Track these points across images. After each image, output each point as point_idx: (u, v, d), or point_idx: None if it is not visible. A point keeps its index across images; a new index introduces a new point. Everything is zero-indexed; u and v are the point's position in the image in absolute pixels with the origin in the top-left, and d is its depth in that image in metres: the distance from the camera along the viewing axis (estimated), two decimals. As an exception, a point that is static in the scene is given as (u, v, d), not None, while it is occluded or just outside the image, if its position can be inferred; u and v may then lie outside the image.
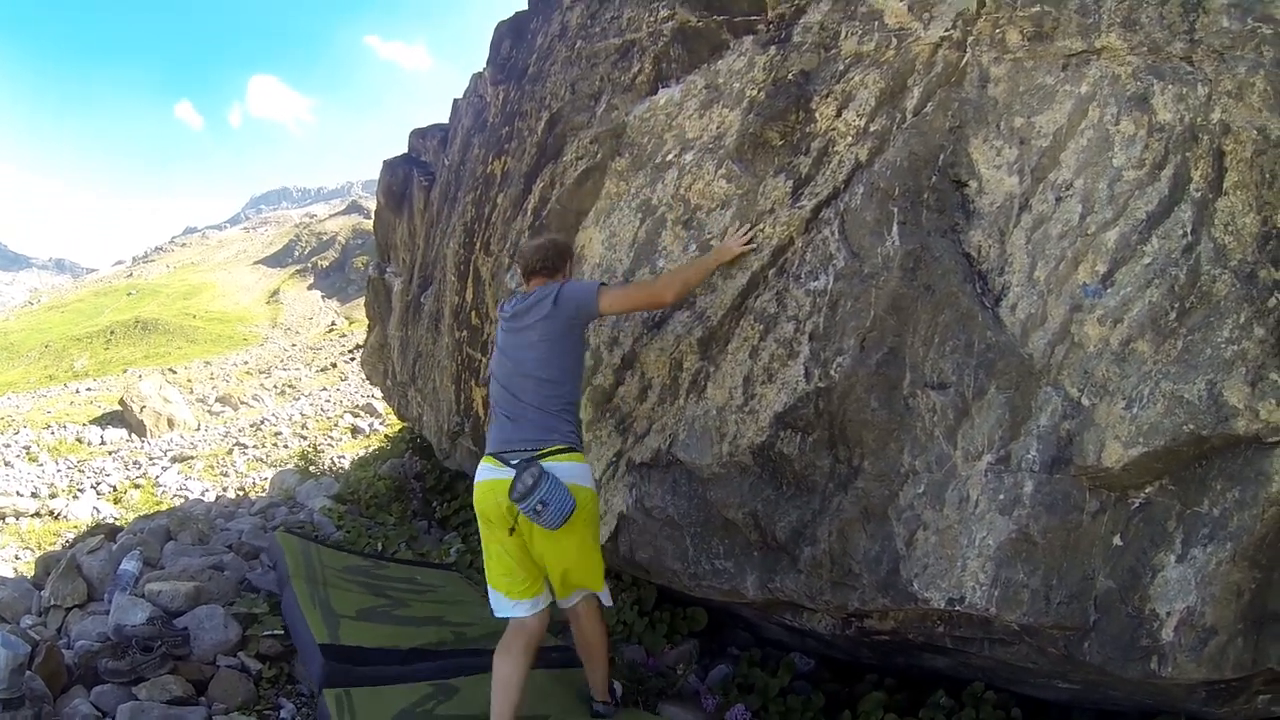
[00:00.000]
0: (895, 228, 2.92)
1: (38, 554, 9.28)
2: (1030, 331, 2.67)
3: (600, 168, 4.11)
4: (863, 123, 3.13)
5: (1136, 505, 2.53)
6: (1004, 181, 2.76)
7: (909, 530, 2.92)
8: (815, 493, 3.18)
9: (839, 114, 3.22)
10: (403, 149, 8.16)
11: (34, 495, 14.96)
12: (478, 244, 5.15)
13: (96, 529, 8.34)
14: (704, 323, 3.51)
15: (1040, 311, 2.65)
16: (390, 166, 8.06)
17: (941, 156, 2.88)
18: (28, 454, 18.65)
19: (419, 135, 7.88)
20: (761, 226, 3.31)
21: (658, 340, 3.72)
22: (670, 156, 3.77)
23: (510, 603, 3.26)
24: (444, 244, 5.94)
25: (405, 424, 9.67)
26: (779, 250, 3.25)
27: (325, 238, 61.09)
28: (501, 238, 4.78)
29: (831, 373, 3.02)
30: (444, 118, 7.46)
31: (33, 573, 7.62)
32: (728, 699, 4.06)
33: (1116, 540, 2.55)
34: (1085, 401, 2.54)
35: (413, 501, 7.40)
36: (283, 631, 4.42)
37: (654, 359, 3.74)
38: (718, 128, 3.63)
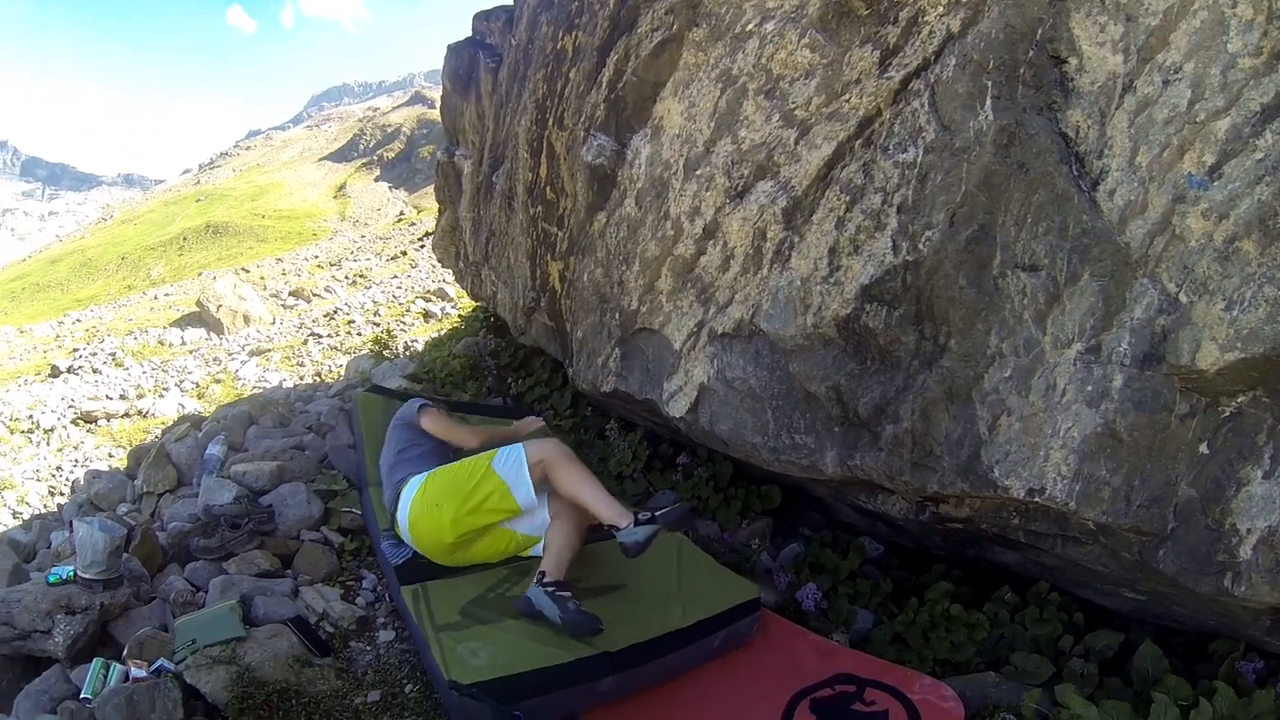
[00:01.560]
0: (989, 102, 2.85)
1: (129, 450, 9.93)
2: (1129, 219, 2.61)
3: (677, 39, 4.05)
4: (955, -8, 3.03)
5: (1227, 414, 2.50)
6: (1107, 60, 2.65)
7: (992, 415, 2.95)
8: (899, 369, 3.22)
9: (929, -17, 3.11)
10: (465, 35, 8.15)
11: (122, 397, 15.86)
12: (550, 120, 5.16)
13: (182, 420, 8.86)
14: (788, 192, 3.50)
15: (1140, 199, 2.58)
16: (455, 51, 8.02)
17: (1040, 30, 2.77)
18: (114, 360, 19.67)
19: (483, 18, 7.80)
20: (847, 97, 3.27)
21: (741, 209, 3.73)
22: (750, 26, 3.69)
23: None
24: (515, 123, 5.96)
25: (478, 304, 9.87)
26: (865, 121, 3.21)
27: (390, 130, 61.33)
28: (576, 112, 4.78)
29: (920, 246, 3.02)
30: (505, 0, 7.41)
31: (125, 465, 8.20)
32: (799, 578, 4.23)
33: (1203, 448, 2.54)
34: (1183, 298, 2.49)
35: (488, 379, 7.64)
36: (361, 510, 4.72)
37: (737, 228, 3.76)
38: (799, -4, 3.55)
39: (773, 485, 4.98)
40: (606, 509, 3.61)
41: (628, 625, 3.47)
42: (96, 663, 3.33)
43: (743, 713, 3.31)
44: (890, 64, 3.14)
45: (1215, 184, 2.43)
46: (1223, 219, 2.41)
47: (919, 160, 3.02)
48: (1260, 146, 2.35)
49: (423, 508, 3.82)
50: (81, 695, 3.23)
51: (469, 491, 3.75)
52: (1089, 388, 2.70)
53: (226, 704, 3.13)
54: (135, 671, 3.27)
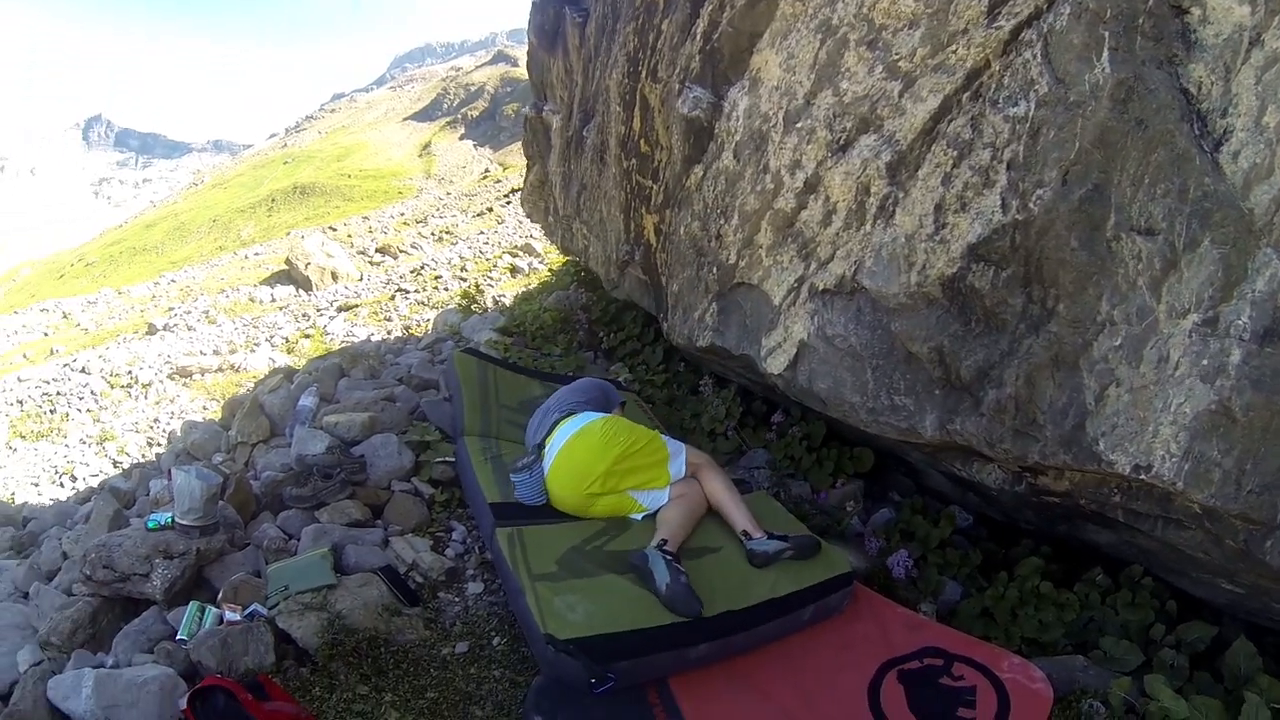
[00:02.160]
0: (1106, 54, 2.72)
1: (223, 403, 10.37)
2: (1253, 184, 2.47)
3: (773, -12, 3.98)
4: (1069, -63, 2.88)
5: None
6: (1233, 11, 2.50)
7: (1100, 384, 2.87)
8: (1005, 332, 3.15)
9: (1040, -73, 2.96)
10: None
11: (215, 352, 16.65)
12: (643, 72, 5.13)
13: (275, 373, 9.19)
14: (893, 146, 3.42)
15: (1267, 163, 2.44)
16: (540, 6, 8.04)
17: None
18: (207, 317, 20.63)
19: (567, -27, 7.83)
20: (954, 48, 3.17)
21: (843, 163, 3.65)
22: (851, -27, 3.61)
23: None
24: (605, 76, 5.95)
25: (569, 259, 10.01)
26: (974, 74, 3.10)
27: (473, 89, 61.79)
28: (670, 64, 4.74)
29: (1030, 205, 2.92)
30: (586, -44, 7.38)
31: (220, 416, 8.56)
32: (890, 544, 4.21)
33: None
34: None
35: (579, 333, 7.73)
36: (454, 459, 4.80)
37: (839, 183, 3.69)
38: (903, -59, 3.43)
39: (865, 448, 4.95)
40: (742, 518, 3.95)
41: (722, 591, 3.49)
42: (192, 605, 3.50)
43: (830, 682, 3.31)
44: (999, 13, 3.02)
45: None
46: (1358, 188, 2.26)
47: (1030, 115, 2.91)
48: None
49: (595, 435, 4.11)
50: (177, 636, 3.39)
51: (643, 441, 4.15)
52: (1204, 362, 2.59)
53: (317, 649, 3.26)
54: (229, 615, 3.42)
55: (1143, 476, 2.77)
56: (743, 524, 3.90)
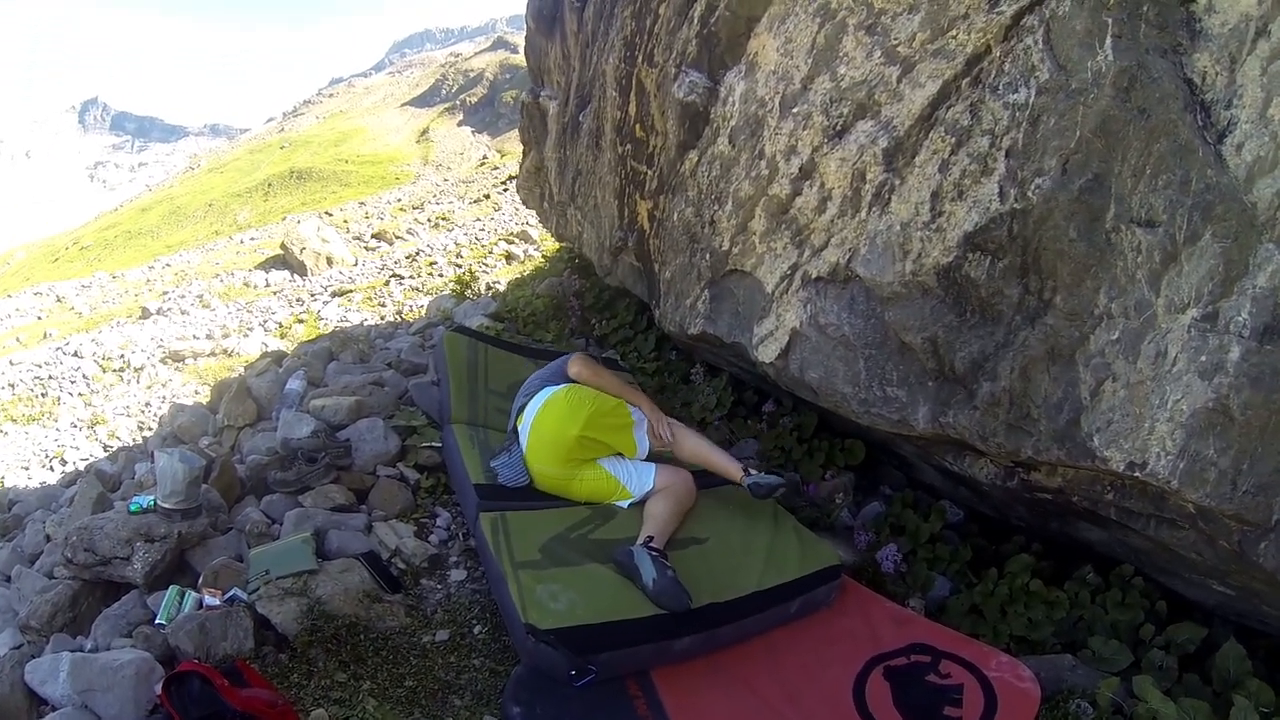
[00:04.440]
0: (1109, 41, 2.66)
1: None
2: (1257, 177, 2.42)
3: (772, -29, 3.93)
4: (1072, -77, 2.82)
5: None
6: (1239, 0, 2.46)
7: (1096, 379, 2.83)
8: (1000, 324, 3.10)
9: (1044, -88, 2.90)
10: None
11: (209, 337, 16.55)
12: (640, 57, 5.07)
13: (264, 357, 9.15)
14: (890, 132, 3.36)
15: (1271, 156, 2.39)
16: (538, -9, 8.04)
17: None
18: (200, 301, 20.53)
19: (566, -43, 7.78)
20: (954, 33, 3.11)
21: (839, 150, 3.60)
22: (850, -43, 3.55)
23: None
24: (602, 61, 5.90)
25: (563, 245, 9.94)
26: (974, 59, 3.04)
27: (472, 75, 61.52)
28: (666, 48, 4.69)
29: (1029, 194, 2.87)
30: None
31: (209, 400, 8.52)
32: (879, 538, 4.18)
33: None
34: None
35: (571, 319, 7.69)
36: (440, 446, 4.77)
37: (834, 169, 3.64)
38: (903, -77, 3.38)
39: (857, 440, 4.91)
40: (729, 464, 4.12)
41: (707, 583, 3.46)
42: (172, 590, 3.48)
43: (816, 677, 3.28)
44: (1002, -2, 2.97)
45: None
46: (1362, 182, 2.21)
47: (1031, 101, 2.86)
48: None
49: (560, 404, 4.10)
50: (156, 621, 3.37)
51: (609, 405, 4.16)
52: (1202, 358, 2.55)
53: (296, 635, 3.23)
54: (209, 600, 3.39)
55: (1137, 474, 2.73)
56: (734, 471, 4.06)
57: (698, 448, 4.22)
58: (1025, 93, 2.88)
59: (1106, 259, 2.76)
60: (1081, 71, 2.74)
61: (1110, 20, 2.68)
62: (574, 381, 4.23)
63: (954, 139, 3.12)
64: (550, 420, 4.03)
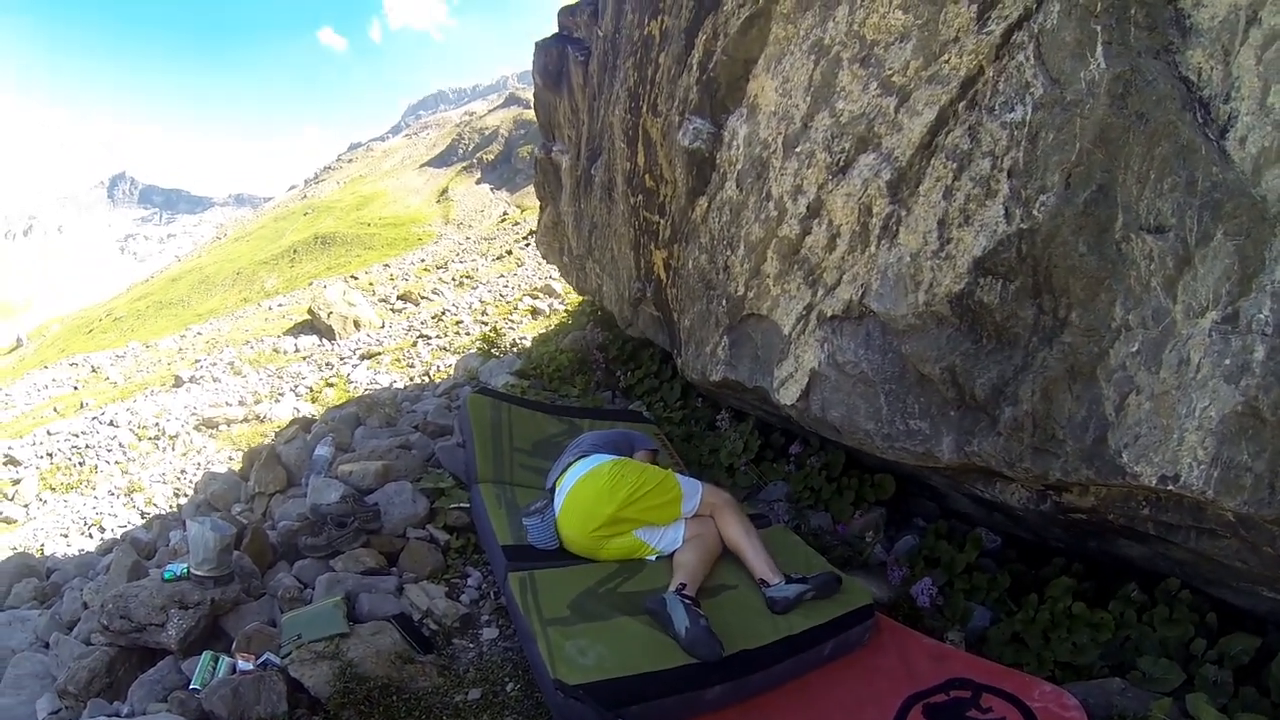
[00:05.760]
0: (1100, 49, 2.65)
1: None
2: (1264, 168, 2.36)
3: (764, 13, 3.97)
4: (1053, -69, 2.82)
5: None
6: None
7: (1120, 394, 2.76)
8: (1017, 347, 3.06)
9: (1024, -77, 2.91)
10: (551, 32, 8.25)
11: (241, 403, 16.88)
12: (644, 107, 5.13)
13: (293, 423, 9.25)
14: (892, 164, 3.36)
15: (1276, 145, 2.33)
16: (543, 47, 8.15)
17: None
18: (232, 368, 20.92)
19: (568, 12, 7.90)
20: (946, 57, 3.11)
21: (844, 185, 3.61)
22: (839, -9, 3.58)
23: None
24: (608, 113, 5.97)
25: (585, 298, 10.00)
26: (968, 82, 3.04)
27: (487, 132, 62.52)
28: (669, 97, 4.74)
29: (1034, 212, 2.85)
30: (587, -5, 7.46)
31: (240, 467, 8.60)
32: (914, 572, 4.10)
33: None
34: None
35: (596, 373, 7.70)
36: (469, 505, 4.76)
37: (841, 205, 3.64)
38: (888, -46, 3.39)
39: (886, 474, 4.85)
40: (761, 563, 3.84)
41: (739, 630, 3.41)
42: (206, 655, 3.50)
43: (853, 718, 3.20)
44: (989, 17, 2.97)
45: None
46: (1371, 162, 2.16)
47: (1028, 119, 2.85)
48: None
49: (602, 478, 4.04)
50: (190, 686, 3.38)
51: (653, 482, 4.06)
52: (1227, 361, 2.48)
53: (329, 698, 3.20)
54: (242, 664, 3.40)
55: (1170, 487, 2.65)
56: (761, 570, 3.82)
57: (738, 539, 3.98)
58: (1022, 110, 2.87)
59: (1119, 270, 2.72)
60: (1075, 83, 2.73)
61: (1099, 27, 2.67)
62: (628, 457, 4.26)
63: (955, 164, 3.11)
64: (588, 493, 4.01)
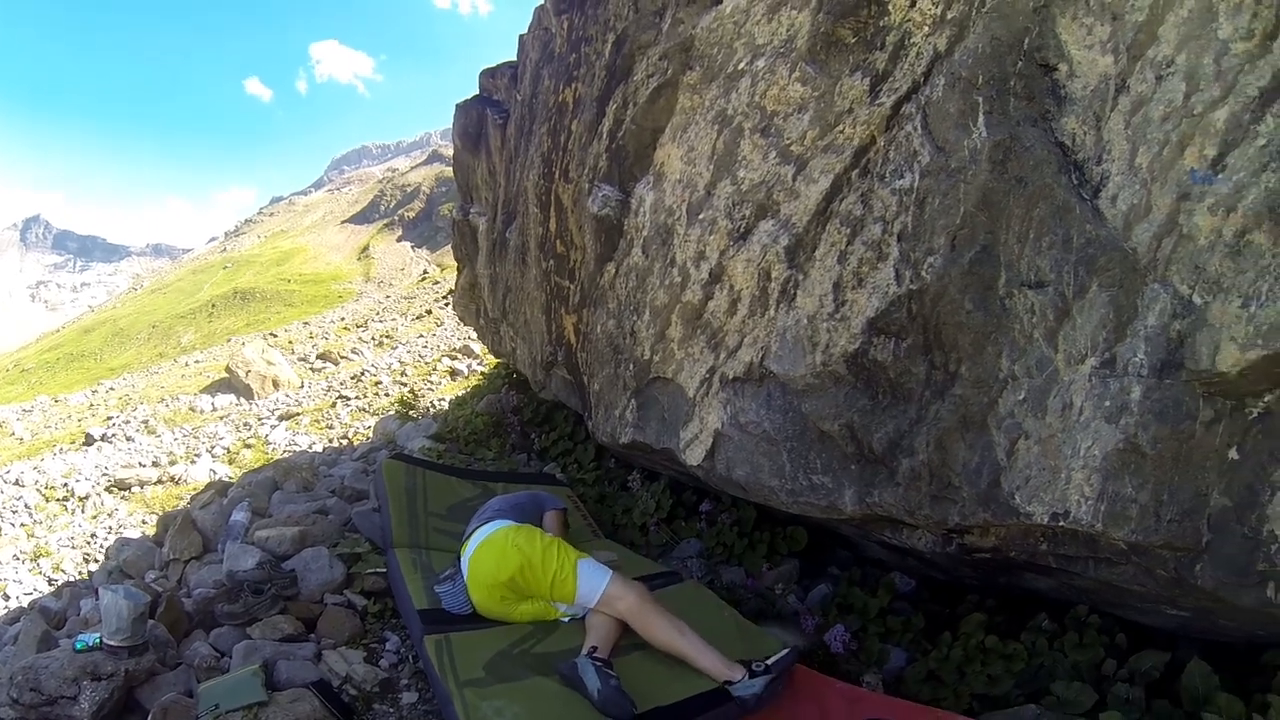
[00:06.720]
0: (981, 118, 2.81)
1: (159, 517, 10.10)
2: (1134, 224, 2.52)
3: (672, 83, 4.09)
4: (939, 10, 2.99)
5: (1255, 415, 2.39)
6: (1097, 62, 2.60)
7: (1009, 440, 2.88)
8: (912, 401, 3.16)
9: (913, 3, 3.07)
10: (474, 93, 8.32)
11: (155, 464, 16.19)
12: (557, 173, 5.21)
13: (209, 487, 8.98)
14: (790, 230, 3.48)
15: (1144, 202, 2.49)
16: (463, 108, 8.20)
17: (1027, 40, 2.74)
18: (146, 427, 20.13)
19: (489, 75, 7.98)
20: (841, 128, 3.26)
21: (744, 251, 3.71)
22: (742, 65, 3.72)
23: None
24: (524, 177, 6.03)
25: (500, 360, 9.97)
26: (860, 151, 3.19)
27: (409, 189, 62.50)
28: (579, 164, 4.82)
29: (923, 274, 2.97)
30: (510, 57, 7.54)
31: (154, 532, 8.28)
32: (827, 619, 4.13)
33: (1233, 453, 2.43)
34: (1196, 299, 2.39)
35: (511, 435, 7.64)
36: (385, 570, 4.69)
37: (741, 271, 3.74)
38: (788, 30, 3.54)
39: (798, 526, 4.91)
40: (713, 663, 3.50)
41: (652, 688, 3.40)
42: (121, 729, 3.34)
43: (773, 766, 3.22)
44: (881, 90, 3.13)
45: (1219, 177, 2.34)
46: (1230, 212, 2.31)
47: (916, 185, 2.99)
48: (1262, 133, 2.26)
49: (498, 544, 3.97)
50: (104, 763, 3.22)
51: (551, 561, 3.90)
52: (1106, 403, 2.61)
53: (247, 770, 3.11)
54: (158, 738, 3.26)
55: (1062, 523, 2.77)
56: (716, 671, 3.47)
57: (672, 642, 3.63)
58: (910, 177, 3.02)
59: (1004, 324, 2.85)
60: (959, 150, 2.88)
61: (981, 98, 2.83)
62: (529, 522, 4.21)
63: (849, 229, 3.24)
64: (488, 559, 3.98)
